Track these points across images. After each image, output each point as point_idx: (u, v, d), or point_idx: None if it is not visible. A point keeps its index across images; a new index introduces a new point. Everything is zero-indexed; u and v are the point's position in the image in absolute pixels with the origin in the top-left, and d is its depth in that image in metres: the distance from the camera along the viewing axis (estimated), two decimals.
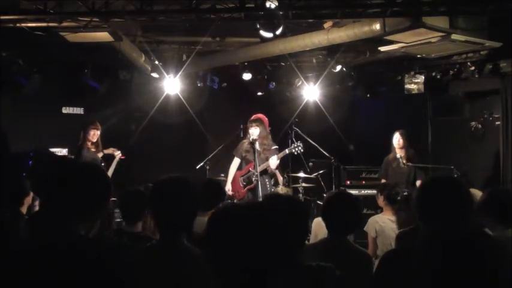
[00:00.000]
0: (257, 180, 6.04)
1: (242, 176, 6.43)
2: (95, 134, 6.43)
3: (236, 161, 6.50)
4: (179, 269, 2.21)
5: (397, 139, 6.62)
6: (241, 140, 6.79)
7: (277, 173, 6.71)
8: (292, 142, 6.72)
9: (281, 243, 1.60)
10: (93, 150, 6.45)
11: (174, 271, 2.21)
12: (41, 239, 1.80)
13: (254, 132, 6.23)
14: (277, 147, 6.46)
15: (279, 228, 1.63)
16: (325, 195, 5.92)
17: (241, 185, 6.41)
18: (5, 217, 3.35)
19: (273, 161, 6.24)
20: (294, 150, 6.43)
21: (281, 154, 6.39)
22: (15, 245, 1.90)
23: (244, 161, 6.47)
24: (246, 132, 6.47)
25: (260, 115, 6.42)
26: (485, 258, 1.99)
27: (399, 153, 6.60)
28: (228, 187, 6.38)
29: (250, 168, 6.34)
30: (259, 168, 6.09)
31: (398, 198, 4.73)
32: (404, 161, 6.53)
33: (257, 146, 6.22)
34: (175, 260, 2.24)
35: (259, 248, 1.51)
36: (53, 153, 7.16)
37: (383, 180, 6.66)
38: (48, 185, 1.99)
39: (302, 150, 6.51)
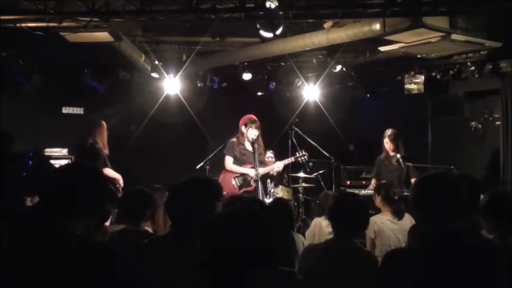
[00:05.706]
0: (257, 181, 6.02)
1: (236, 177, 6.24)
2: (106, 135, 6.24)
3: (231, 159, 6.27)
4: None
5: (388, 144, 6.61)
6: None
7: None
8: (293, 144, 6.72)
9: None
10: (105, 151, 6.24)
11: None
12: (36, 237, 1.80)
13: (255, 133, 6.15)
14: (262, 147, 6.43)
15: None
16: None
17: (235, 186, 6.20)
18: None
19: (277, 165, 6.34)
20: (300, 159, 6.53)
21: (286, 161, 6.47)
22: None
23: (238, 162, 6.26)
24: (242, 134, 6.26)
25: (255, 117, 6.26)
26: (482, 259, 1.99)
27: (392, 153, 6.60)
28: (251, 173, 6.14)
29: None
30: (261, 172, 6.10)
31: (396, 197, 4.73)
32: (397, 159, 6.52)
33: (255, 148, 6.15)
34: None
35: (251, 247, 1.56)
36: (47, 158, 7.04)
37: (374, 180, 6.68)
38: (47, 185, 1.99)
39: (307, 160, 6.57)
